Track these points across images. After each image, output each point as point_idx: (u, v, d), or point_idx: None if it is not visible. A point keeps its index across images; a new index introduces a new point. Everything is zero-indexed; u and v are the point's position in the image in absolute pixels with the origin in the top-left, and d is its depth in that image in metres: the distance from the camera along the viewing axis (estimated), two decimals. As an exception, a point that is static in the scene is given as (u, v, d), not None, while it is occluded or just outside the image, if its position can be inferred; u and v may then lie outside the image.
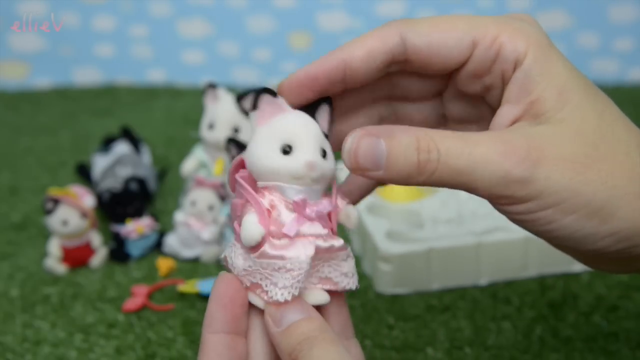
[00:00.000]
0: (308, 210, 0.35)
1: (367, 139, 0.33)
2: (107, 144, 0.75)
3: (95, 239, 0.64)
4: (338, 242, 0.36)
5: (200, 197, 0.64)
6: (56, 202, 0.62)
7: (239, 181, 0.36)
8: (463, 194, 0.67)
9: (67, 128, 0.94)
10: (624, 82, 1.02)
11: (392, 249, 0.59)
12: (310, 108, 0.36)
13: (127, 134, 0.76)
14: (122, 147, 0.74)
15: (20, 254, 0.67)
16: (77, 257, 0.64)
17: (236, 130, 0.65)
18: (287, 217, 0.34)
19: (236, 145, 0.61)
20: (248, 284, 0.35)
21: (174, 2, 1.10)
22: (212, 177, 0.66)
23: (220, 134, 0.65)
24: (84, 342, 0.55)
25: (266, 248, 0.34)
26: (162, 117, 0.96)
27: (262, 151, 0.35)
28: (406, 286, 0.59)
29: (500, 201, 0.34)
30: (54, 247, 0.63)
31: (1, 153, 0.88)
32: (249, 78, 1.10)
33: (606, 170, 0.33)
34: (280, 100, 0.36)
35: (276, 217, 0.34)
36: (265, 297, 0.35)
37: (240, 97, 0.65)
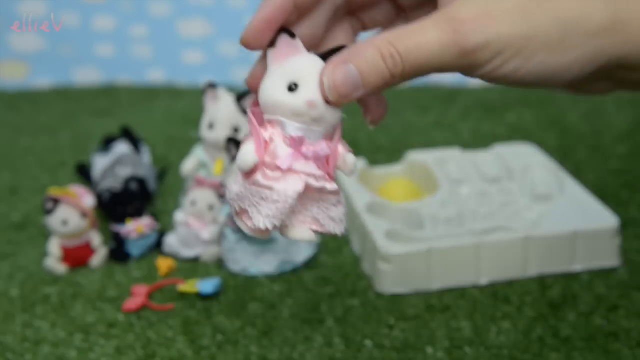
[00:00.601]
0: (304, 149, 0.36)
1: (338, 69, 0.36)
2: (107, 144, 0.75)
3: (95, 239, 0.64)
4: (331, 185, 0.37)
5: (200, 197, 0.65)
6: (56, 202, 0.62)
7: (248, 113, 0.38)
8: (463, 193, 0.67)
9: (67, 128, 0.94)
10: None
11: (392, 249, 0.59)
12: (327, 55, 0.37)
13: (127, 134, 0.76)
14: (122, 147, 0.73)
15: (20, 254, 0.66)
16: (77, 257, 0.64)
17: (236, 130, 0.65)
18: (283, 151, 0.36)
19: (236, 145, 0.61)
20: (237, 209, 0.37)
21: (173, 2, 1.10)
22: (212, 177, 0.66)
23: (220, 133, 0.65)
24: (84, 342, 0.55)
25: (258, 176, 0.36)
26: (162, 117, 0.96)
27: (270, 86, 0.37)
28: (406, 286, 0.59)
29: (468, 70, 0.37)
30: (54, 247, 0.63)
31: (1, 153, 0.88)
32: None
33: (551, 8, 0.35)
34: (297, 42, 0.38)
35: (273, 150, 0.36)
36: (249, 224, 0.37)
37: (240, 97, 0.66)
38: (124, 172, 0.69)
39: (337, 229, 0.38)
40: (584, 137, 0.84)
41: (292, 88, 0.36)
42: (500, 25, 0.35)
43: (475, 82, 1.04)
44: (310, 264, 0.63)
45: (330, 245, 0.66)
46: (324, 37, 0.41)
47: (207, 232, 0.64)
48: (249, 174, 0.36)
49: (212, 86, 0.66)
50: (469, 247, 0.59)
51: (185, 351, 0.54)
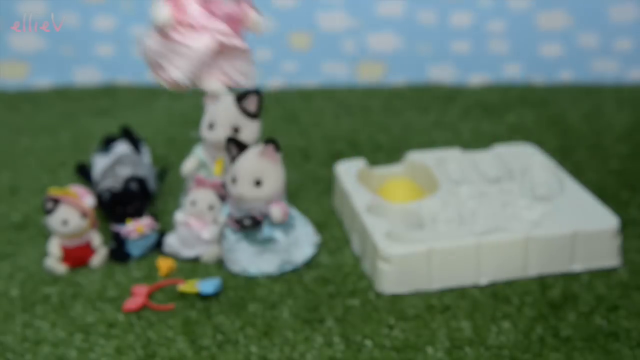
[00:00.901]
0: (214, 8, 0.41)
1: None
2: (107, 144, 0.75)
3: (96, 238, 0.64)
4: (241, 42, 0.42)
5: (200, 197, 0.64)
6: (56, 202, 0.62)
7: None
8: (463, 193, 0.67)
9: (67, 128, 0.94)
10: (623, 82, 1.02)
11: (392, 249, 0.59)
12: None
13: (127, 134, 0.76)
14: (122, 147, 0.73)
15: (20, 254, 0.66)
16: (77, 257, 0.63)
17: (236, 130, 0.65)
18: (195, 10, 0.41)
19: (236, 144, 0.61)
20: (153, 63, 0.42)
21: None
22: (212, 177, 0.66)
23: (220, 133, 0.64)
24: (84, 341, 0.55)
25: (173, 33, 0.41)
26: (162, 117, 0.95)
27: None
28: (406, 286, 0.59)
29: None
30: (54, 247, 0.63)
31: (1, 153, 0.88)
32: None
33: None
34: None
35: (186, 8, 0.40)
36: (164, 76, 0.43)
37: (240, 97, 0.65)
38: (124, 172, 0.69)
39: (245, 81, 0.44)
40: (584, 137, 0.84)
41: None
42: None
43: (475, 82, 1.05)
44: (310, 264, 0.63)
45: (331, 245, 0.66)
46: None
47: (207, 232, 0.64)
48: (164, 31, 0.41)
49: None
50: (469, 247, 0.59)
51: (185, 351, 0.53)
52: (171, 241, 0.65)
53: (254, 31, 0.42)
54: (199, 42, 0.41)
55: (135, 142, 0.75)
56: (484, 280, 0.60)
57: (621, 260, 0.62)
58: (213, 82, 0.44)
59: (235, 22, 0.41)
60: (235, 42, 0.41)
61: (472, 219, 0.63)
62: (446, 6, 1.05)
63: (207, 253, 0.64)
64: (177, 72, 0.42)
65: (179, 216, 0.65)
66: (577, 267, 0.61)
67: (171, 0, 0.40)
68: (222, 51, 0.42)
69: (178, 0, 0.40)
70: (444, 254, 0.59)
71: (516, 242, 0.60)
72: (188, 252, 0.65)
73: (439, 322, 0.55)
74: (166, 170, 0.78)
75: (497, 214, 0.64)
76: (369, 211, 0.64)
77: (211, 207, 0.64)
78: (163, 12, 0.41)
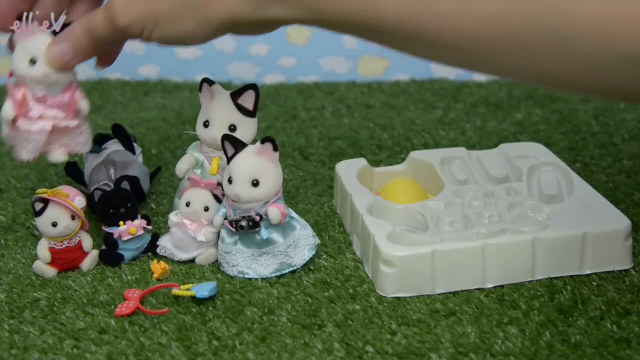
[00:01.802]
0: (49, 101, 0.56)
1: (53, 47, 0.55)
2: (98, 142, 0.74)
3: (86, 240, 0.63)
4: (73, 122, 0.57)
5: (195, 198, 0.63)
6: (45, 202, 0.61)
7: (8, 81, 0.57)
8: (468, 194, 0.66)
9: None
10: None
11: (395, 251, 0.57)
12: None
13: (119, 132, 0.75)
14: (113, 145, 0.72)
15: (8, 257, 0.65)
16: (67, 259, 0.62)
17: (233, 128, 0.64)
18: (34, 105, 0.56)
19: (231, 142, 0.60)
20: (9, 145, 0.58)
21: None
22: (207, 177, 0.64)
23: (216, 131, 0.64)
24: (75, 348, 0.54)
25: (19, 123, 0.56)
26: (156, 114, 0.95)
27: (17, 61, 0.56)
28: (409, 289, 0.58)
29: (132, 38, 0.54)
30: (43, 250, 0.62)
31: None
32: (246, 74, 1.08)
33: None
34: (34, 24, 0.56)
35: (26, 104, 0.56)
36: (17, 156, 0.57)
37: (236, 95, 0.65)
38: (116, 171, 0.68)
39: (82, 148, 0.59)
40: (594, 136, 0.84)
41: (33, 61, 0.55)
42: (136, 8, 0.51)
43: (481, 78, 1.03)
44: (309, 266, 0.62)
45: (331, 248, 0.65)
46: (68, 12, 0.58)
47: (203, 234, 0.63)
48: (12, 122, 0.56)
49: (208, 82, 0.65)
50: (474, 249, 0.58)
51: (179, 357, 0.52)
52: (165, 243, 0.64)
53: (81, 112, 0.58)
54: (39, 129, 0.56)
55: (127, 140, 0.74)
56: (490, 284, 0.59)
57: (633, 263, 0.61)
58: (56, 154, 0.58)
59: (68, 107, 0.57)
60: (68, 123, 0.57)
61: (477, 220, 0.62)
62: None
63: (203, 255, 0.63)
64: (25, 154, 0.57)
65: (173, 217, 0.64)
66: (587, 270, 0.60)
67: (15, 101, 0.56)
68: (59, 131, 0.57)
69: (21, 100, 0.56)
70: (448, 256, 0.58)
71: (524, 244, 0.58)
72: (183, 255, 0.64)
73: (443, 328, 0.54)
74: (159, 169, 0.77)
75: (503, 215, 0.63)
76: (370, 212, 0.63)
77: (207, 208, 0.63)
78: (8, 111, 0.56)
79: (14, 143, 0.57)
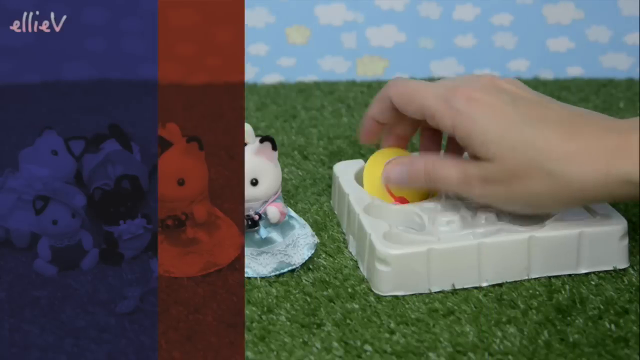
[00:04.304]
0: None
1: (395, 168, 0.64)
2: (96, 142, 0.74)
3: (87, 239, 0.63)
4: None
5: (194, 197, 0.63)
6: (46, 200, 0.60)
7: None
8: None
9: (56, 124, 0.92)
10: (635, 77, 1.01)
11: (390, 250, 0.57)
12: None
13: (117, 131, 0.74)
14: (112, 145, 0.72)
15: (8, 255, 0.65)
16: (67, 258, 0.62)
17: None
18: None
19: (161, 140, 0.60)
20: None
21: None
22: (207, 176, 0.64)
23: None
24: (75, 346, 0.54)
25: None
26: (154, 113, 0.94)
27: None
28: (405, 288, 0.58)
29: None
30: (44, 248, 0.62)
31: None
32: (246, 74, 1.08)
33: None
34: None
35: None
36: None
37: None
38: (116, 170, 0.68)
39: None
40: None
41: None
42: (486, 188, 0.58)
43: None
44: (308, 265, 0.62)
45: (330, 247, 0.65)
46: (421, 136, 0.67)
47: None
48: None
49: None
50: (470, 248, 0.58)
51: (181, 357, 0.52)
52: (165, 242, 0.64)
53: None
54: None
55: (125, 140, 0.74)
56: (487, 283, 0.59)
57: (631, 262, 0.60)
58: None
59: None
60: None
61: (474, 219, 0.62)
62: (449, 1, 1.03)
63: (202, 254, 0.63)
64: None
65: (173, 216, 0.64)
66: (585, 269, 0.60)
67: None
68: None
69: None
70: (443, 255, 0.57)
71: (520, 242, 0.58)
72: (182, 253, 0.63)
73: (442, 327, 0.54)
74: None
75: (500, 214, 0.62)
76: (367, 213, 0.63)
77: (206, 207, 0.63)
78: None
79: None
